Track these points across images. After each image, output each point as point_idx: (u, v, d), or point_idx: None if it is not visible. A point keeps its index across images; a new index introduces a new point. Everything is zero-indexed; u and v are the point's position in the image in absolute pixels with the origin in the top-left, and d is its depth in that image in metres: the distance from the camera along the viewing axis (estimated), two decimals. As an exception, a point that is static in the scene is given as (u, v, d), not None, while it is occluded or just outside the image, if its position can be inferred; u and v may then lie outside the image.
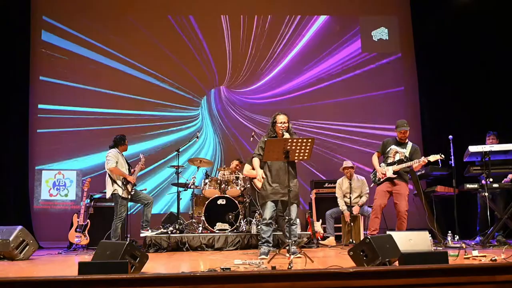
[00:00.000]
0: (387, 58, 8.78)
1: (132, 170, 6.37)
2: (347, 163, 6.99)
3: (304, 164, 8.17)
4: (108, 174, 6.15)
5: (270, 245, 4.98)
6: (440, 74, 8.40)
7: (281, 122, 4.92)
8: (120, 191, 6.05)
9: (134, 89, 8.45)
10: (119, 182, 6.08)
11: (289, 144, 4.42)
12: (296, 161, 4.85)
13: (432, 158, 5.53)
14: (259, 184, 5.24)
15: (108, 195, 6.20)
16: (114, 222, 6.04)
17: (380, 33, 8.84)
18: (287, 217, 4.87)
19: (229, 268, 3.60)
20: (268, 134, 5.07)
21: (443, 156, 5.52)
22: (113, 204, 6.22)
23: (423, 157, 5.62)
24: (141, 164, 6.48)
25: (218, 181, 7.02)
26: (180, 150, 6.92)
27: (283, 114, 4.96)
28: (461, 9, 8.21)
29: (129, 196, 6.14)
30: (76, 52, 8.40)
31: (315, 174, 8.31)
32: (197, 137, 7.28)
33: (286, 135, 4.81)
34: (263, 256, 4.83)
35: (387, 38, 8.84)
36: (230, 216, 6.60)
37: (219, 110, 8.59)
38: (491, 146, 5.80)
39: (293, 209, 4.94)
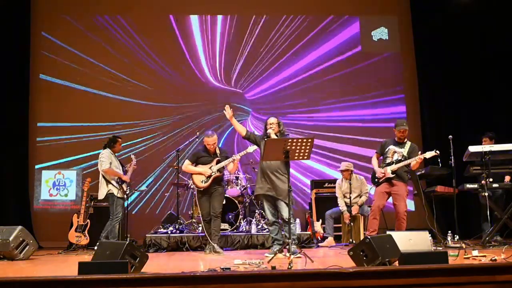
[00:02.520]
0: (387, 58, 8.78)
1: (125, 169, 6.36)
2: (343, 166, 6.95)
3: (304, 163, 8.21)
4: (102, 175, 6.13)
5: (280, 242, 5.20)
6: (440, 73, 8.41)
7: (270, 124, 5.27)
8: (115, 191, 6.03)
9: (136, 85, 8.46)
10: (114, 182, 6.07)
11: (289, 144, 4.43)
12: (296, 160, 4.89)
13: (428, 155, 5.54)
14: (197, 181, 5.62)
15: (101, 196, 6.10)
16: (111, 223, 5.98)
17: (380, 33, 8.84)
18: (281, 218, 5.15)
19: (229, 268, 3.61)
20: (262, 135, 5.39)
21: (438, 152, 5.52)
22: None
23: (419, 154, 5.63)
24: (133, 165, 6.43)
25: (218, 181, 7.01)
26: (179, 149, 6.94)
27: (272, 117, 5.37)
28: (461, 9, 8.21)
29: (125, 196, 6.13)
30: (77, 51, 8.41)
31: (315, 174, 8.32)
32: (197, 137, 7.28)
33: (273, 136, 5.09)
34: (266, 254, 5.09)
35: (387, 38, 8.84)
36: (230, 216, 6.60)
37: (217, 107, 8.59)
38: (491, 146, 5.80)
39: (283, 207, 5.04)
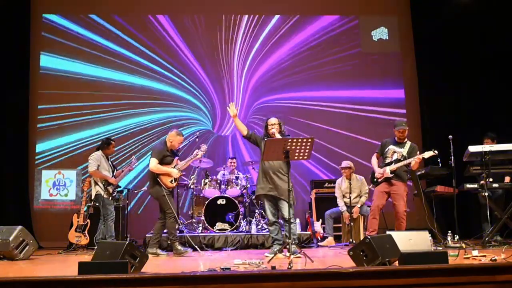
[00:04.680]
0: (387, 58, 8.77)
1: (119, 171, 6.42)
2: (344, 163, 6.97)
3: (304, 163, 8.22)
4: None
5: (280, 242, 5.21)
6: (440, 73, 8.40)
7: (271, 124, 5.26)
8: (102, 193, 6.12)
9: (135, 85, 8.47)
10: (100, 184, 6.13)
11: (289, 144, 4.43)
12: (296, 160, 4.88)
13: (427, 155, 5.55)
14: (167, 181, 5.47)
15: (92, 197, 6.21)
16: (107, 223, 6.02)
17: (380, 33, 8.84)
18: (282, 217, 5.18)
19: (229, 268, 3.61)
20: (263, 136, 5.38)
21: (436, 152, 5.53)
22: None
23: (417, 154, 5.63)
24: (130, 167, 6.52)
25: (218, 181, 7.03)
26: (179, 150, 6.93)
27: (273, 118, 5.36)
28: (461, 9, 8.21)
29: (110, 197, 6.19)
30: (76, 46, 8.41)
31: (315, 174, 8.32)
32: (197, 137, 7.27)
33: (278, 136, 5.11)
34: (266, 254, 5.11)
35: (387, 38, 8.83)
36: (230, 216, 6.60)
37: (218, 108, 8.60)
38: (490, 146, 5.80)
39: (284, 207, 5.04)
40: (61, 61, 8.36)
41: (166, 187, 5.50)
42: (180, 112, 8.51)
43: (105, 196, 6.11)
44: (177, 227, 5.69)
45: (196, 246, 5.92)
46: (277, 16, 8.77)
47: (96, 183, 6.15)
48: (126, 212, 7.23)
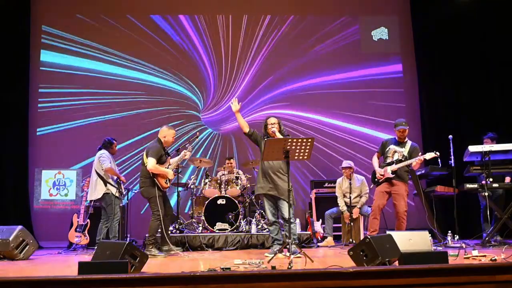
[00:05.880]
0: (387, 58, 8.77)
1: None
2: (345, 163, 6.97)
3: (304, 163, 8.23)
4: (98, 174, 6.15)
5: (280, 242, 5.20)
6: (440, 73, 8.40)
7: (271, 123, 5.23)
8: (113, 191, 6.10)
9: (133, 87, 8.48)
10: (112, 182, 6.11)
11: (289, 143, 4.43)
12: (296, 160, 4.88)
13: (428, 156, 5.55)
14: (163, 182, 5.45)
15: (98, 196, 6.12)
16: (112, 223, 6.02)
17: (380, 33, 8.84)
18: (282, 217, 5.15)
19: (229, 268, 3.60)
20: (262, 135, 5.33)
21: (438, 153, 5.53)
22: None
23: (419, 155, 5.64)
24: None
25: (218, 181, 7.03)
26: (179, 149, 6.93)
27: (273, 117, 5.33)
28: (461, 9, 8.21)
29: (121, 196, 6.19)
30: (75, 49, 8.44)
31: (315, 174, 8.32)
32: (197, 137, 7.26)
33: (278, 135, 5.09)
34: (266, 254, 5.11)
35: (387, 38, 8.83)
36: (230, 216, 6.61)
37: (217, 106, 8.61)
38: (491, 146, 5.81)
39: (284, 206, 5.03)
40: (62, 58, 8.37)
41: (161, 188, 5.48)
42: (181, 110, 8.53)
43: (116, 194, 6.10)
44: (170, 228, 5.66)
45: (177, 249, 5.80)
46: (276, 17, 8.76)
47: (106, 182, 6.11)
48: (126, 212, 7.22)
